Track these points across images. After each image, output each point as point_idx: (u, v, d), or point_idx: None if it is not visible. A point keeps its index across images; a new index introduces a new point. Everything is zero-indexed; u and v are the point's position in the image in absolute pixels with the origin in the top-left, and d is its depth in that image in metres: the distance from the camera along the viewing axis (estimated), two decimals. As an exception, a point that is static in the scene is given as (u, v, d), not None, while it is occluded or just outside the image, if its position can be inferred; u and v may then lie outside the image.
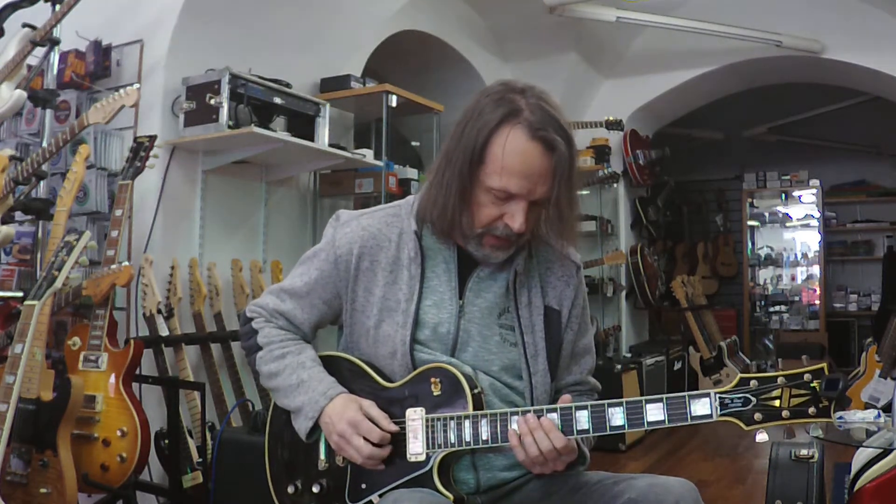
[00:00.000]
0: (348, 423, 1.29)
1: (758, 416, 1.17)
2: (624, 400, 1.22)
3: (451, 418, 1.27)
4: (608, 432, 1.22)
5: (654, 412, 1.20)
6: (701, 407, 1.18)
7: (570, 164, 1.28)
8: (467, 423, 1.26)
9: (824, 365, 1.16)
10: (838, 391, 1.13)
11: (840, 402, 1.13)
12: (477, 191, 1.30)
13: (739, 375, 1.20)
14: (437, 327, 1.37)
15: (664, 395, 1.20)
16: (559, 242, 1.41)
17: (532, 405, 1.35)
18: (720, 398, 1.18)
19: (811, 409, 1.15)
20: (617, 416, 1.21)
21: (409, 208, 1.42)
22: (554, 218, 1.32)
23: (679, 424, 1.20)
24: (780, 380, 1.16)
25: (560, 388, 1.44)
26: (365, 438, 1.28)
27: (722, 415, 1.18)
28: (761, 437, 1.19)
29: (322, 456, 1.37)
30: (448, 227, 1.34)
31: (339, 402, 1.33)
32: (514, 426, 1.24)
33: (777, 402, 1.16)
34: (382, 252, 1.40)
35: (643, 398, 1.21)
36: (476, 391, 1.29)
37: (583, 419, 1.23)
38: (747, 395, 1.17)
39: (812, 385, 1.15)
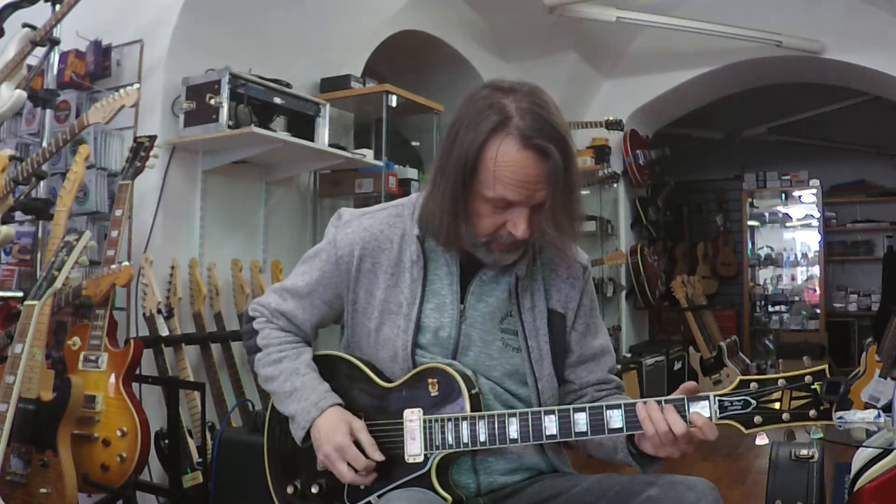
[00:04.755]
0: (335, 447, 1.28)
1: (758, 418, 1.14)
2: (622, 402, 1.20)
3: (449, 420, 1.26)
4: (606, 434, 1.20)
5: None
6: (700, 410, 1.17)
7: (566, 167, 1.23)
8: (465, 425, 1.25)
9: (825, 367, 1.14)
10: (840, 394, 1.11)
11: (842, 405, 1.11)
12: (474, 202, 1.26)
13: (739, 378, 1.17)
14: (438, 331, 1.35)
15: (662, 398, 1.19)
16: (564, 242, 1.35)
17: None
18: (719, 401, 1.16)
19: (812, 412, 1.12)
20: (615, 419, 1.19)
21: (412, 209, 1.39)
22: (557, 219, 1.26)
23: None
24: (780, 382, 1.14)
25: (583, 387, 1.42)
26: (349, 465, 1.27)
27: (721, 418, 1.16)
28: (761, 440, 1.17)
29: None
30: (453, 239, 1.31)
31: (330, 419, 1.31)
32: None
33: (777, 405, 1.14)
34: (384, 254, 1.38)
35: (641, 400, 1.20)
36: (474, 392, 1.28)
37: (581, 421, 1.21)
38: (747, 398, 1.15)
39: (813, 387, 1.13)
